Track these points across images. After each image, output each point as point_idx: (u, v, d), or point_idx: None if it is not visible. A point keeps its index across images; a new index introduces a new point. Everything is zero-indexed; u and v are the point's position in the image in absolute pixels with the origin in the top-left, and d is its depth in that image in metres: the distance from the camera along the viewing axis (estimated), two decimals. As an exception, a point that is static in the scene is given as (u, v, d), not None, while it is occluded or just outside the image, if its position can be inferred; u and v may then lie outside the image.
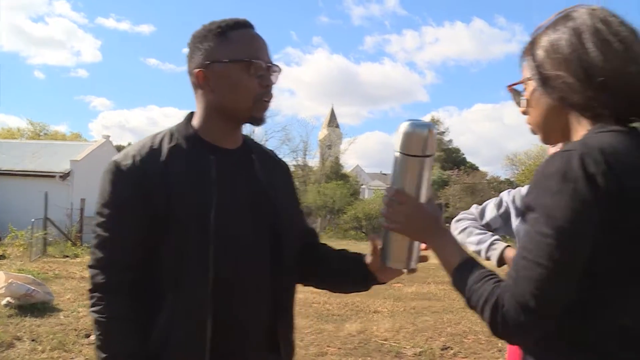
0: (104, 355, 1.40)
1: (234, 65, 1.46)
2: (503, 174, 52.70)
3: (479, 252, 2.50)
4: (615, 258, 1.04)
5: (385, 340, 6.26)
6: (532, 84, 1.24)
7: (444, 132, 62.18)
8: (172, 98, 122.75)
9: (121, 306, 1.41)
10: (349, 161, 64.08)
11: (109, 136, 28.63)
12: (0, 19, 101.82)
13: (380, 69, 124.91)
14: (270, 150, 1.81)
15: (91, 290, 1.45)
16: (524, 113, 1.30)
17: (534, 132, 1.30)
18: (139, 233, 1.42)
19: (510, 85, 1.32)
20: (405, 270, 1.44)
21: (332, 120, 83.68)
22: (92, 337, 5.88)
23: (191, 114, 1.57)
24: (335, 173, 59.63)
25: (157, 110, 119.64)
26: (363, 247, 2.09)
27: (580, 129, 1.17)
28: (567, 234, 1.01)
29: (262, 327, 1.51)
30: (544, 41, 1.20)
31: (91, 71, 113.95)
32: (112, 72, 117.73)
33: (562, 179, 1.01)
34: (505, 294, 1.05)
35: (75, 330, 6.12)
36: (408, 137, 1.29)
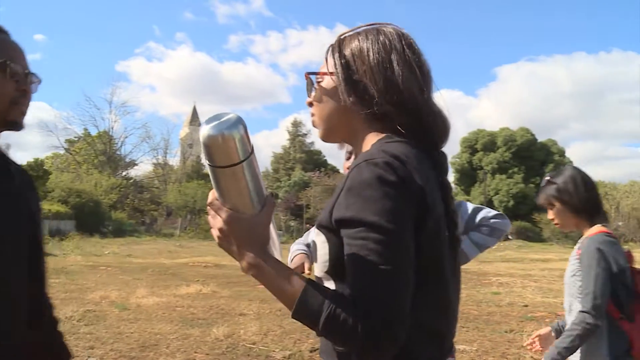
0: None
1: None
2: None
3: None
4: (419, 257, 1.08)
5: (254, 343, 6.20)
6: (331, 80, 1.26)
7: (306, 134, 63.16)
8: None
9: None
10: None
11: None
12: None
13: (244, 69, 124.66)
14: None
15: None
16: (310, 104, 1.32)
17: (315, 125, 1.32)
18: None
19: (308, 73, 1.31)
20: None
21: (194, 119, 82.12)
22: None
23: None
24: (197, 172, 58.58)
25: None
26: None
27: (370, 136, 1.23)
28: (400, 236, 1.04)
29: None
30: (354, 46, 1.24)
31: None
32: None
33: (380, 185, 1.04)
34: (371, 311, 1.01)
35: None
36: (212, 146, 1.02)
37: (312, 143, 63.47)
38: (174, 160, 62.79)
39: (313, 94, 1.30)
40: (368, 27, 1.28)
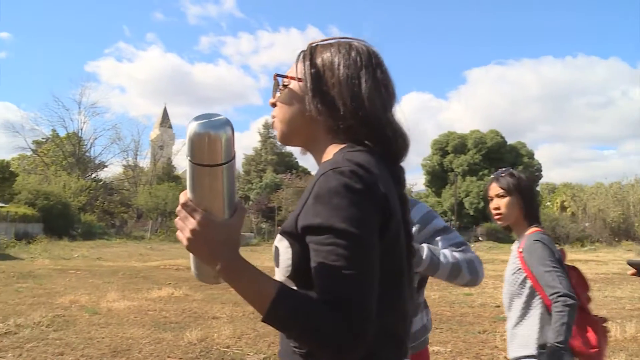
0: None
1: None
2: (334, 178, 54.49)
3: None
4: (383, 262, 1.11)
5: (228, 347, 6.14)
6: (298, 86, 1.29)
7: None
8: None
9: None
10: (182, 163, 62.66)
11: None
12: None
13: (215, 71, 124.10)
14: None
15: None
16: (273, 105, 1.34)
17: (275, 126, 1.35)
18: None
19: (277, 75, 1.33)
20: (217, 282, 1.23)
21: (165, 121, 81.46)
22: None
23: None
24: (168, 174, 58.10)
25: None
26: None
27: (332, 146, 1.26)
28: (367, 242, 1.07)
29: None
30: (326, 57, 1.27)
31: None
32: None
33: (347, 193, 1.07)
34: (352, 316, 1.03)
35: None
36: (197, 143, 1.02)
37: (283, 145, 63.49)
38: (145, 162, 62.09)
39: (278, 95, 1.32)
40: (341, 40, 1.31)
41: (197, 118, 1.03)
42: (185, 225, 1.07)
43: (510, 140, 53.83)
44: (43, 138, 56.15)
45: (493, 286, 12.73)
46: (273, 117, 1.34)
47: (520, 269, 2.60)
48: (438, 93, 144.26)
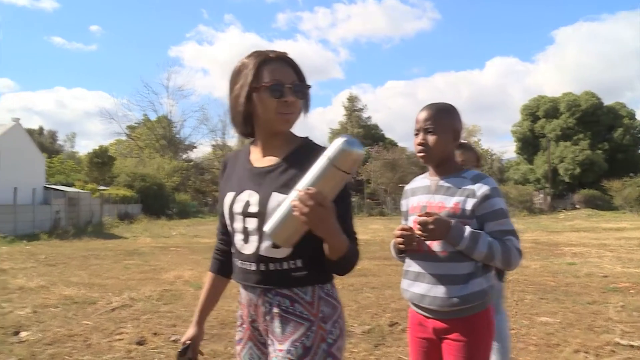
0: None
1: None
2: (420, 149, 53.82)
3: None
4: None
5: (332, 319, 6.18)
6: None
7: (362, 109, 62.78)
8: (80, 79, 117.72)
9: None
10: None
11: (18, 119, 26.97)
12: None
13: (294, 47, 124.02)
14: None
15: None
16: (295, 105, 1.75)
17: (293, 121, 1.77)
18: None
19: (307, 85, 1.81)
20: (282, 247, 1.63)
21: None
22: (22, 334, 5.49)
23: None
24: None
25: (65, 92, 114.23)
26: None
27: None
28: None
29: None
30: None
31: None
32: (14, 51, 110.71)
33: None
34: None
35: (2, 327, 5.69)
36: (346, 154, 1.46)
37: (369, 118, 63.08)
38: (232, 141, 63.50)
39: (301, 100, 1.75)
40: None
41: (348, 137, 1.49)
42: (312, 207, 1.45)
43: (607, 102, 51.00)
44: (136, 123, 58.65)
45: (597, 255, 12.20)
46: (292, 114, 1.76)
47: None
48: (523, 56, 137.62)
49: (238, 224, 1.73)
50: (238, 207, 1.73)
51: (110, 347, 5.10)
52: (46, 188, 27.72)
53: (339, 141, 1.47)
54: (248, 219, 1.70)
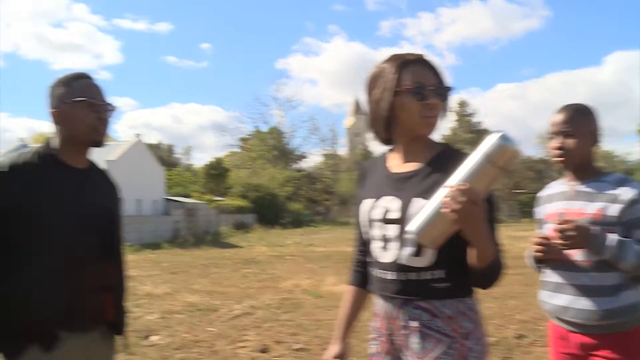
0: None
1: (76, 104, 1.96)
2: (535, 153, 51.95)
3: None
4: None
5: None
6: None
7: (472, 114, 61.30)
8: (193, 94, 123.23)
9: None
10: (379, 149, 63.68)
11: (140, 135, 28.72)
12: (23, 28, 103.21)
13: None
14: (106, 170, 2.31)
15: None
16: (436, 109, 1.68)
17: (435, 125, 1.69)
18: None
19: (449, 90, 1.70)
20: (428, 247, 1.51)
21: (358, 108, 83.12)
22: (152, 338, 5.73)
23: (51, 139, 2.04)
24: (366, 160, 59.28)
25: (179, 108, 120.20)
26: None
27: None
28: None
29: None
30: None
31: (114, 72, 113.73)
32: (134, 72, 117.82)
33: None
34: None
35: (135, 331, 5.97)
36: (502, 149, 1.36)
37: (479, 122, 61.45)
38: (342, 150, 64.16)
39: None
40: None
41: (503, 132, 1.38)
42: (464, 204, 1.34)
43: None
44: (248, 134, 60.62)
45: None
46: (434, 117, 1.67)
47: None
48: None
49: (376, 231, 1.66)
50: (377, 214, 1.66)
51: (235, 354, 5.20)
52: (166, 199, 29.23)
53: (495, 136, 1.37)
54: (387, 226, 1.62)
